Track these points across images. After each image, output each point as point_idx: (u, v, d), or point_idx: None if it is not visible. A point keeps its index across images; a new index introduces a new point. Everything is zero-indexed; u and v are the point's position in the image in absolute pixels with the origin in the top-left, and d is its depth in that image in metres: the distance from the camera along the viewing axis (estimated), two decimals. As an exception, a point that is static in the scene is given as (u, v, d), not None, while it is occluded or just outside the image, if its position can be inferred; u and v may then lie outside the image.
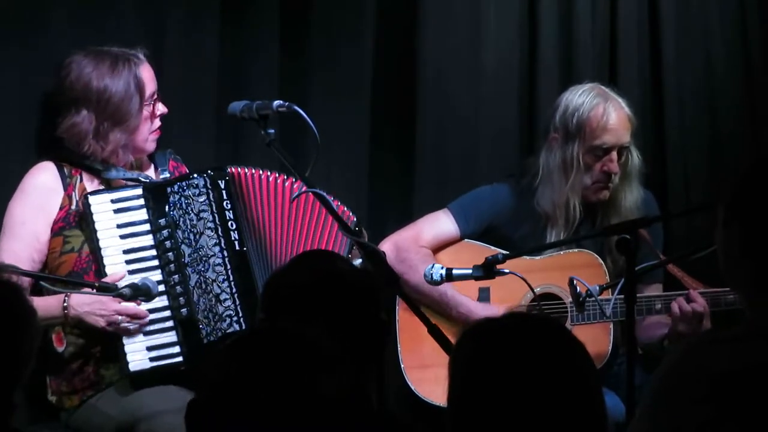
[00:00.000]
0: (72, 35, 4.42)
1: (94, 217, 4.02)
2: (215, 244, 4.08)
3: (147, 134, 4.16)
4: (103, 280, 3.95)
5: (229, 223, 4.09)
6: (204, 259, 4.07)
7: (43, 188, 4.09)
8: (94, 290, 3.88)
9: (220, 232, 4.08)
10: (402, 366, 4.35)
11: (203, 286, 4.06)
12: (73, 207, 4.08)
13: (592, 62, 5.08)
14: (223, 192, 4.11)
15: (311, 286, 2.96)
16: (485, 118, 5.01)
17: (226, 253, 4.07)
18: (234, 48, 4.71)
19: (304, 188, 3.86)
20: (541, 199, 4.42)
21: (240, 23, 4.72)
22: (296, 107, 3.94)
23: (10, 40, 4.36)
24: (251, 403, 2.19)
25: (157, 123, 4.19)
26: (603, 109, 4.36)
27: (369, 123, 4.90)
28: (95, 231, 4.01)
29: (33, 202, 4.08)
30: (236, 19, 4.71)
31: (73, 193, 4.09)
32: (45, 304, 3.87)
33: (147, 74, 4.15)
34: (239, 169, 4.15)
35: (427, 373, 4.29)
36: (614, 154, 4.36)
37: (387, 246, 4.35)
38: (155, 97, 4.17)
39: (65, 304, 3.94)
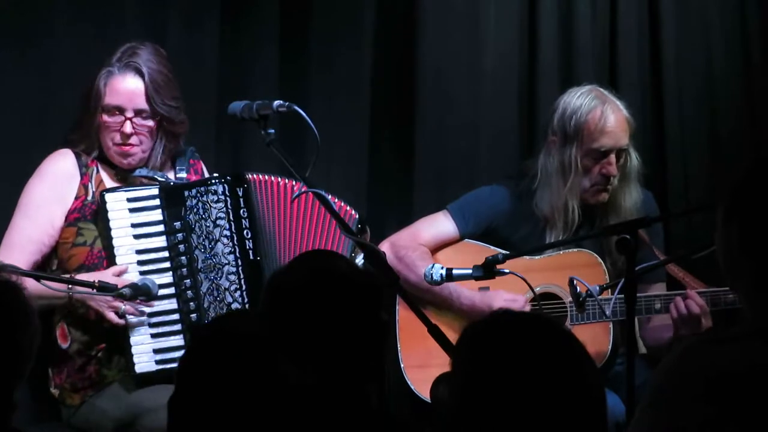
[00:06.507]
0: (73, 35, 4.42)
1: (109, 215, 4.03)
2: (230, 253, 4.07)
3: (109, 144, 4.09)
4: (111, 269, 3.97)
5: (245, 232, 4.09)
6: (218, 266, 4.07)
7: (62, 174, 4.10)
8: (94, 290, 3.88)
9: (235, 241, 4.08)
10: (402, 366, 4.35)
11: (215, 293, 4.06)
12: (89, 198, 4.09)
13: (592, 63, 5.08)
14: (241, 200, 4.10)
15: (311, 286, 2.96)
16: (485, 118, 5.01)
17: (240, 262, 4.07)
18: (234, 48, 4.72)
19: (304, 188, 3.86)
20: (539, 201, 4.41)
21: (240, 23, 4.72)
22: (296, 107, 3.94)
23: (11, 38, 4.36)
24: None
25: (119, 139, 4.08)
26: (601, 111, 4.34)
27: (369, 123, 4.90)
28: (109, 229, 4.03)
29: (51, 187, 4.09)
30: (236, 19, 4.72)
31: (90, 184, 4.10)
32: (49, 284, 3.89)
33: (116, 86, 4.06)
34: (257, 176, 4.14)
35: (427, 373, 4.28)
36: (612, 157, 4.34)
37: (385, 246, 4.35)
38: (124, 112, 4.06)
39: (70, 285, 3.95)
